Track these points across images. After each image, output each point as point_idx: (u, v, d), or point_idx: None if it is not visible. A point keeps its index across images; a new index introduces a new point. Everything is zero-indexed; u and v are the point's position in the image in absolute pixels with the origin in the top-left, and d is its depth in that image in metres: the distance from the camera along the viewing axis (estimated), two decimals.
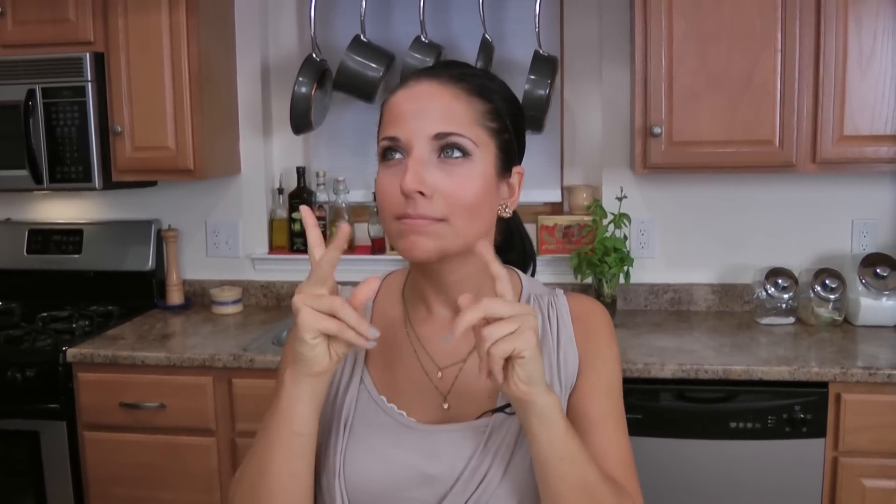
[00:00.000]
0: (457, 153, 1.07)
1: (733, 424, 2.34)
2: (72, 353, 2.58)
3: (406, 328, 1.21)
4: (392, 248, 3.07)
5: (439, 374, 1.17)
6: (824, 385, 2.30)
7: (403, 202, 1.05)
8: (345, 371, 1.18)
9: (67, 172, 2.80)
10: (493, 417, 1.12)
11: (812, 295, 2.72)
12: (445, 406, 1.15)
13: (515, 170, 1.16)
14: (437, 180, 1.05)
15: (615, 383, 1.20)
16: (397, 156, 1.07)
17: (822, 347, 2.49)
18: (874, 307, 2.67)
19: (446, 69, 1.12)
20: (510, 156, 1.14)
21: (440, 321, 1.19)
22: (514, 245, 1.31)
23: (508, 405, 1.11)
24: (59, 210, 3.29)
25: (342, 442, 1.13)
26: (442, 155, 1.07)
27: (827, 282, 2.71)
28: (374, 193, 1.17)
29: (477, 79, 1.12)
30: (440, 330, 1.19)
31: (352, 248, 3.16)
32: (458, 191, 1.06)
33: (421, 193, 1.04)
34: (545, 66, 2.81)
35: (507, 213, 1.16)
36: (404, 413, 1.15)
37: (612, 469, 1.12)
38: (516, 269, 1.29)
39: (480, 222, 1.11)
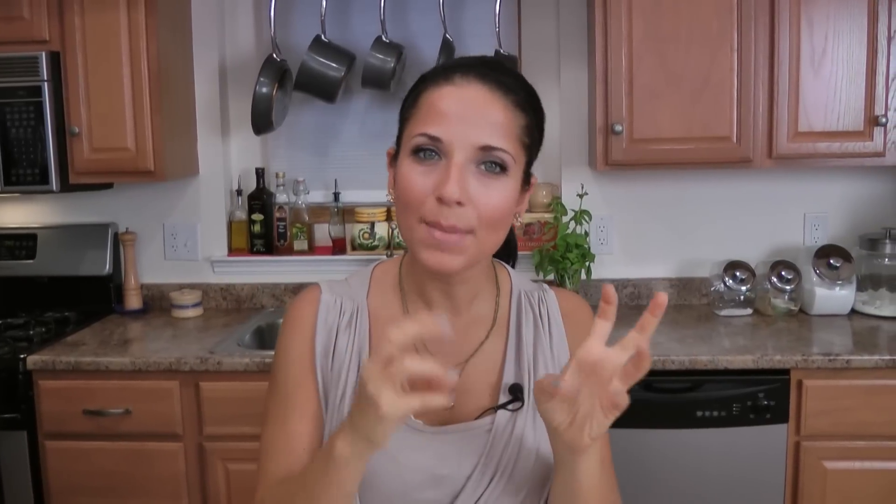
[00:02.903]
0: (496, 168, 1.06)
1: (699, 413, 2.40)
2: (32, 360, 2.51)
3: None
4: (354, 249, 3.07)
5: None
6: (786, 372, 2.38)
7: (435, 207, 1.04)
8: (350, 373, 1.16)
9: (23, 175, 2.72)
10: (497, 415, 1.14)
11: (769, 286, 2.82)
12: (450, 405, 1.16)
13: (532, 180, 1.16)
14: (473, 191, 1.04)
15: None
16: (434, 157, 1.05)
17: (781, 336, 2.58)
18: (828, 296, 2.77)
19: (495, 73, 1.09)
20: (531, 167, 1.15)
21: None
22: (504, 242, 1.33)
23: (510, 402, 1.14)
24: (12, 214, 3.20)
25: None
26: (482, 167, 1.05)
27: (783, 273, 2.80)
28: (394, 186, 1.11)
29: (522, 90, 1.10)
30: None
31: (312, 248, 3.15)
32: (490, 205, 1.05)
33: (459, 203, 1.03)
34: None
35: (519, 222, 1.16)
36: (411, 415, 1.12)
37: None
38: (505, 265, 1.30)
39: (501, 234, 1.11)
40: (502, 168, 1.06)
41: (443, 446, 1.13)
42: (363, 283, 1.23)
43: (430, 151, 1.05)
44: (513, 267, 1.33)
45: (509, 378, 1.18)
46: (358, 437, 0.94)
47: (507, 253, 1.33)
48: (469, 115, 1.05)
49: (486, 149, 1.05)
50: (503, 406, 1.14)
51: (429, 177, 1.05)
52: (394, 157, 1.14)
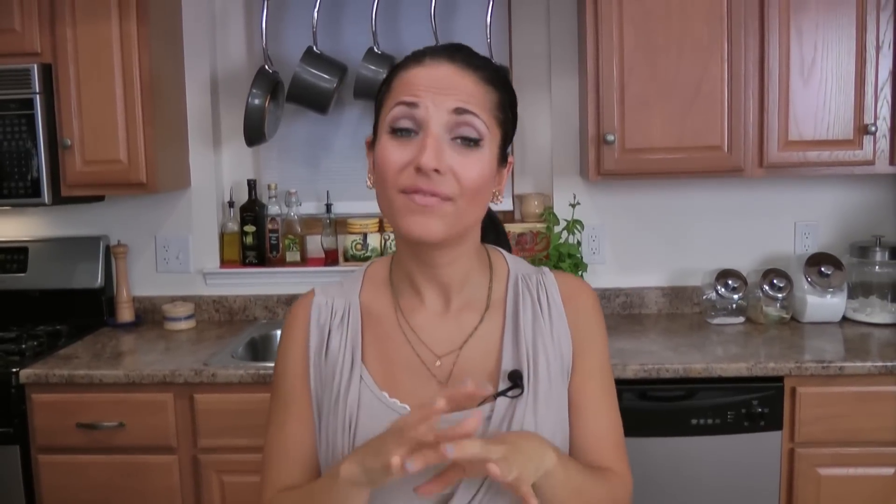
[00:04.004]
0: (471, 143, 1.09)
1: (694, 421, 2.41)
2: (25, 374, 2.49)
3: (398, 318, 1.21)
4: (346, 260, 3.07)
5: (438, 362, 1.18)
6: (780, 379, 2.39)
7: (413, 176, 1.06)
8: (343, 370, 1.18)
9: (15, 188, 2.71)
10: (497, 402, 1.14)
11: (760, 294, 2.83)
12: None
13: (509, 159, 1.19)
14: (451, 160, 1.07)
15: (608, 361, 1.25)
16: (411, 134, 1.08)
17: (773, 344, 2.59)
18: (820, 304, 2.79)
19: (461, 54, 1.13)
20: (507, 145, 1.17)
21: (432, 310, 1.20)
22: (491, 229, 1.34)
23: (510, 388, 1.15)
24: (3, 227, 3.18)
25: (349, 442, 1.13)
26: (457, 141, 1.08)
27: (774, 281, 2.82)
28: (369, 177, 1.16)
29: (490, 69, 1.14)
30: (431, 317, 1.20)
31: (304, 260, 3.15)
32: (468, 174, 1.08)
33: (437, 171, 1.06)
34: None
35: (500, 200, 1.19)
36: (407, 406, 1.15)
37: (608, 452, 1.19)
38: (501, 250, 1.30)
39: (480, 207, 1.14)
40: (476, 141, 1.09)
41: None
42: (356, 282, 1.26)
43: (406, 130, 1.09)
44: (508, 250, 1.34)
45: (508, 364, 1.17)
46: (362, 472, 1.02)
47: (496, 239, 1.35)
48: (442, 85, 1.09)
49: (460, 111, 1.08)
50: (503, 393, 1.14)
51: (406, 151, 1.08)
52: (371, 144, 1.17)
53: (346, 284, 1.26)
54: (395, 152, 1.08)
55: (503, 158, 1.16)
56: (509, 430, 1.12)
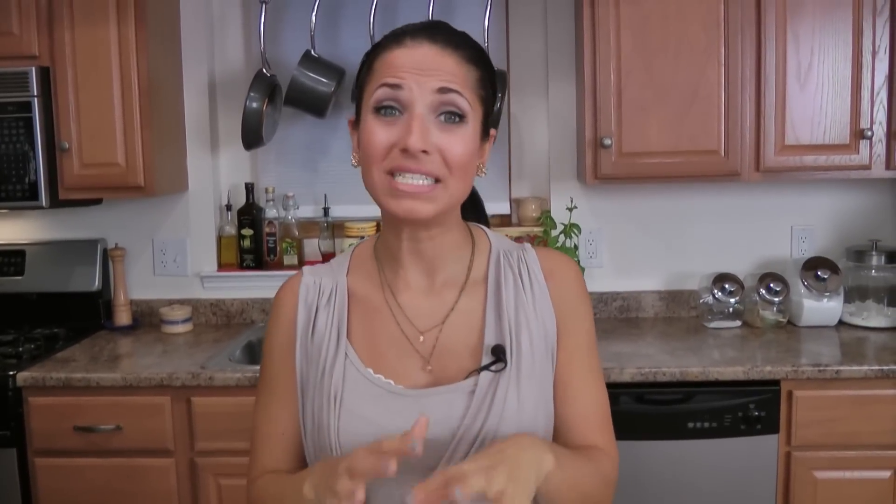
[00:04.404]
0: (455, 118, 1.10)
1: (691, 424, 2.41)
2: (22, 376, 2.49)
3: (385, 296, 1.23)
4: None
5: (421, 338, 1.20)
6: (776, 383, 2.40)
7: (399, 156, 1.08)
8: (329, 348, 1.20)
9: (12, 191, 2.71)
10: (480, 376, 1.15)
11: (757, 298, 2.84)
12: (428, 369, 1.18)
13: (491, 132, 1.20)
14: (437, 139, 1.09)
15: (593, 336, 1.26)
16: (396, 113, 1.09)
17: (770, 348, 2.60)
18: (816, 308, 2.80)
19: (442, 34, 1.14)
20: (488, 120, 1.19)
21: (416, 287, 1.22)
22: (471, 207, 1.34)
23: (493, 363, 1.15)
24: (0, 230, 3.19)
25: (334, 417, 1.15)
26: (441, 118, 1.10)
27: (771, 285, 2.83)
28: (357, 148, 1.16)
29: (470, 47, 1.15)
30: (415, 294, 1.22)
31: (302, 263, 3.15)
32: (455, 152, 1.10)
33: (424, 152, 1.07)
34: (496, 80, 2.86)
35: (483, 173, 1.20)
36: (392, 381, 1.17)
37: (595, 428, 1.20)
38: (482, 227, 1.32)
39: (467, 182, 1.15)
40: (461, 117, 1.11)
41: (426, 410, 1.13)
42: (344, 262, 1.28)
43: (390, 109, 1.10)
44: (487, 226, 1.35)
45: (490, 339, 1.18)
46: (316, 498, 1.03)
47: (475, 215, 1.35)
48: (424, 66, 1.10)
49: (444, 90, 1.09)
50: (486, 367, 1.15)
51: (391, 131, 1.09)
52: (355, 124, 1.18)
53: (335, 265, 1.29)
54: (380, 132, 1.09)
55: (485, 132, 1.18)
56: (492, 404, 1.13)
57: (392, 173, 1.09)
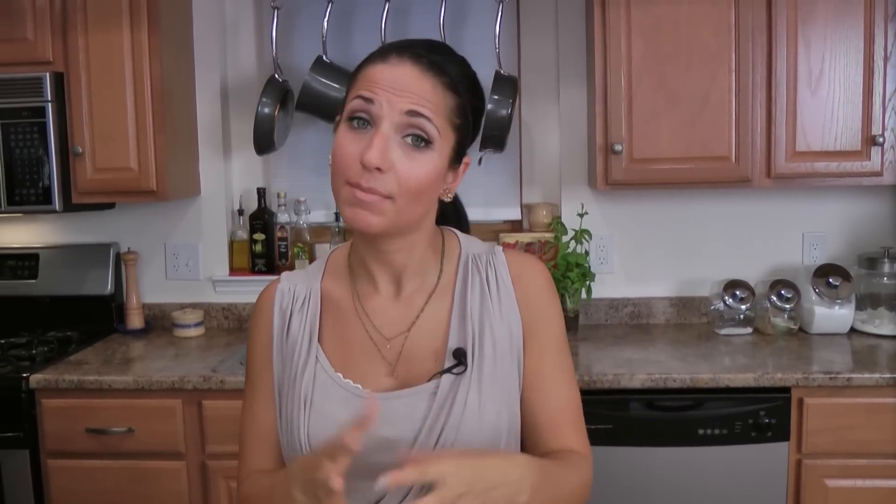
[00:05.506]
0: (421, 142, 1.12)
1: (701, 431, 2.41)
2: (35, 379, 2.51)
3: (355, 303, 1.26)
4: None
5: (388, 345, 1.23)
6: (787, 390, 2.39)
7: (359, 171, 1.10)
8: (301, 352, 1.23)
9: (26, 195, 2.73)
10: (442, 379, 1.18)
11: (768, 305, 2.83)
12: (394, 375, 1.21)
13: (464, 160, 1.22)
14: (397, 160, 1.10)
15: (563, 338, 1.27)
16: (367, 126, 1.11)
17: (781, 355, 2.59)
18: (828, 315, 2.79)
19: (427, 58, 1.14)
20: (464, 148, 1.20)
21: (385, 295, 1.25)
22: (453, 215, 1.37)
23: (455, 366, 1.18)
24: (13, 234, 3.21)
25: (304, 418, 1.18)
26: (407, 139, 1.11)
27: (782, 292, 2.82)
28: (330, 157, 1.18)
29: (453, 72, 1.16)
30: (384, 302, 1.25)
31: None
32: (411, 175, 1.11)
33: (379, 169, 1.09)
34: (506, 86, 2.87)
35: (448, 198, 1.22)
36: (360, 386, 1.20)
37: (566, 428, 1.23)
38: (454, 230, 1.34)
39: (423, 205, 1.17)
40: (427, 141, 1.12)
41: (388, 411, 1.16)
42: (319, 267, 1.32)
43: (362, 120, 1.12)
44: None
45: (454, 343, 1.21)
46: (302, 488, 1.05)
47: (457, 222, 1.37)
48: (399, 87, 1.11)
49: (412, 113, 1.11)
50: (448, 370, 1.18)
51: (358, 144, 1.11)
52: (337, 125, 1.19)
53: (310, 271, 1.32)
54: (348, 144, 1.12)
55: (458, 159, 1.19)
56: (452, 406, 1.15)
57: (349, 184, 1.11)
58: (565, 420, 1.23)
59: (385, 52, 1.15)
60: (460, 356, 1.19)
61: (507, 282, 1.25)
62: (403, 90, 1.11)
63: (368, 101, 1.11)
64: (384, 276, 1.24)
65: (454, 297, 1.24)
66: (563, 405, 1.24)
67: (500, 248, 1.29)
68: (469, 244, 1.31)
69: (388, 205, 1.11)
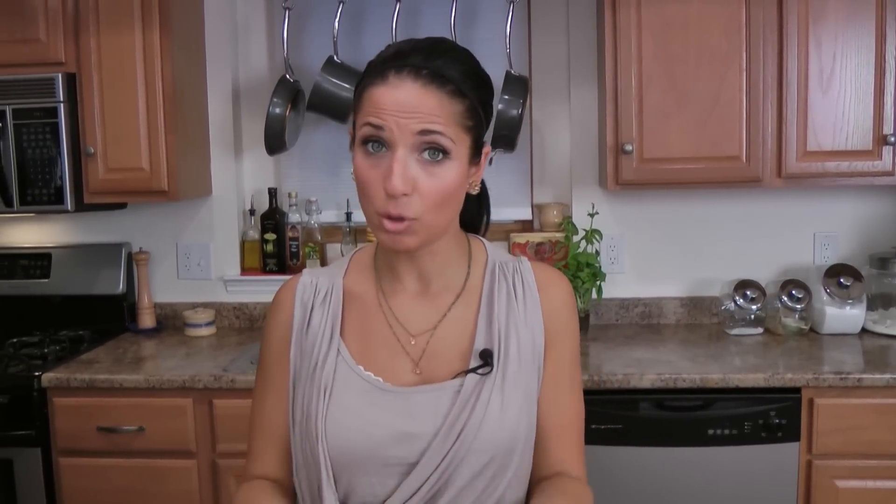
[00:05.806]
0: (438, 155, 1.12)
1: (711, 431, 2.40)
2: (47, 377, 2.53)
3: (379, 299, 1.27)
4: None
5: (412, 341, 1.24)
6: (797, 391, 2.38)
7: (385, 199, 1.11)
8: (322, 344, 1.24)
9: (38, 195, 2.75)
10: (466, 378, 1.19)
11: (779, 305, 2.82)
12: (417, 371, 1.22)
13: (483, 150, 1.22)
14: (418, 177, 1.11)
15: (577, 350, 1.30)
16: (381, 149, 1.11)
17: (792, 355, 2.58)
18: (839, 316, 2.78)
19: (426, 61, 1.12)
20: (480, 142, 1.20)
21: (411, 292, 1.26)
22: (476, 205, 1.36)
23: (481, 366, 1.19)
24: (26, 234, 3.23)
25: (323, 407, 1.18)
26: (424, 155, 1.12)
27: (793, 292, 2.81)
28: (353, 175, 1.17)
29: (456, 76, 1.13)
30: (409, 299, 1.26)
31: (324, 266, 3.16)
32: (434, 190, 1.12)
33: (404, 194, 1.10)
34: (517, 85, 2.87)
35: (475, 190, 1.23)
36: (381, 379, 1.21)
37: (569, 442, 1.26)
38: (481, 238, 1.35)
39: (452, 210, 1.18)
40: (444, 152, 1.12)
41: (409, 406, 1.18)
42: (343, 264, 1.33)
43: (376, 143, 1.12)
44: (486, 226, 1.38)
45: (480, 344, 1.22)
46: None
47: (478, 213, 1.36)
48: (405, 109, 1.11)
49: (425, 132, 1.11)
50: (473, 370, 1.19)
51: (378, 169, 1.12)
52: (352, 141, 1.19)
53: (333, 268, 1.33)
54: (368, 170, 1.13)
55: (477, 153, 1.20)
56: (475, 405, 1.16)
57: (378, 213, 1.13)
58: (570, 435, 1.26)
59: (383, 71, 1.12)
60: (487, 357, 1.20)
61: (534, 290, 1.26)
62: (411, 112, 1.10)
63: (378, 127, 1.10)
64: (410, 275, 1.25)
65: (481, 301, 1.26)
66: (571, 419, 1.26)
67: (526, 258, 1.31)
68: (495, 253, 1.32)
69: (419, 224, 1.12)
